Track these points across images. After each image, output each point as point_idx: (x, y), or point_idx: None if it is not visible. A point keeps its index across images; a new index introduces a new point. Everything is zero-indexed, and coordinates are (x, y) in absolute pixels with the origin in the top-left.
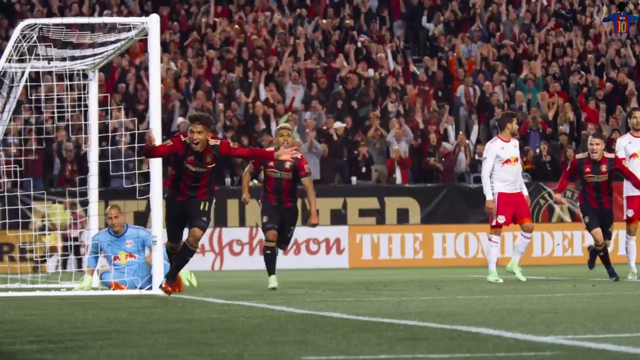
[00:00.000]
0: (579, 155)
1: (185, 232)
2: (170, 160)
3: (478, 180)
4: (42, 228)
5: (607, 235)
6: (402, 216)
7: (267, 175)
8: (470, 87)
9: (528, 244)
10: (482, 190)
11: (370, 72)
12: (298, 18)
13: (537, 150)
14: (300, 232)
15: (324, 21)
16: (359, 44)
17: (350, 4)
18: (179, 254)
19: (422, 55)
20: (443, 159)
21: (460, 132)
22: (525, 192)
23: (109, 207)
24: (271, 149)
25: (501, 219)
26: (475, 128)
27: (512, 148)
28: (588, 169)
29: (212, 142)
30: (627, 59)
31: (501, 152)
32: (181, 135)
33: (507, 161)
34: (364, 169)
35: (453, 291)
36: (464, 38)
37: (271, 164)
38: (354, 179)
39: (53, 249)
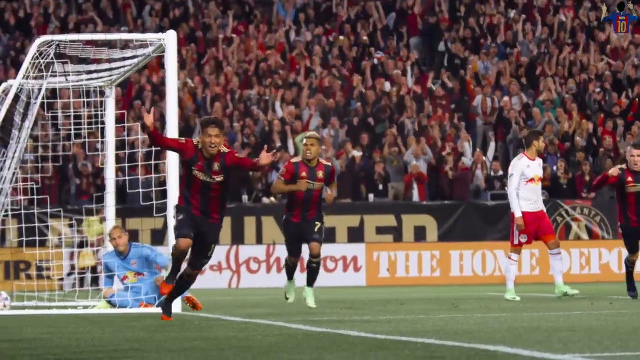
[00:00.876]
0: (620, 167)
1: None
2: (180, 168)
3: (495, 197)
4: (81, 245)
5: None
6: (420, 234)
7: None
8: (489, 98)
9: (561, 258)
10: (499, 208)
11: (387, 88)
12: (315, 35)
13: (555, 168)
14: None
15: (341, 38)
16: (376, 61)
17: (367, 20)
18: (177, 283)
19: (440, 72)
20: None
21: (478, 149)
22: (544, 209)
23: (112, 228)
24: (297, 159)
25: (523, 239)
26: (493, 145)
27: (537, 167)
28: (630, 179)
29: (223, 149)
30: None
31: (527, 170)
32: (193, 140)
33: (532, 180)
34: (380, 187)
35: (470, 309)
36: (481, 55)
37: (304, 174)
38: (371, 197)
39: (83, 268)
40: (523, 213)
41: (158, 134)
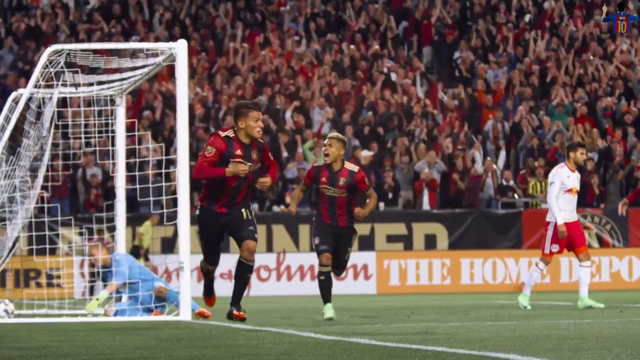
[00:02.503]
0: None
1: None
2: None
3: (505, 206)
4: (136, 253)
5: None
6: (430, 242)
7: (320, 192)
8: (499, 123)
9: (590, 271)
10: (510, 217)
11: (397, 97)
12: (326, 44)
13: None
14: None
15: (352, 47)
16: (385, 70)
17: (378, 29)
18: (238, 275)
19: (450, 81)
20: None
21: (488, 158)
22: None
23: (89, 246)
24: (321, 162)
25: (555, 248)
26: (503, 153)
27: (575, 179)
28: None
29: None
30: None
31: (566, 180)
32: (220, 132)
33: (569, 190)
34: (390, 195)
35: (481, 317)
36: (491, 63)
37: (323, 179)
38: (381, 205)
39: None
40: (555, 223)
41: (211, 169)
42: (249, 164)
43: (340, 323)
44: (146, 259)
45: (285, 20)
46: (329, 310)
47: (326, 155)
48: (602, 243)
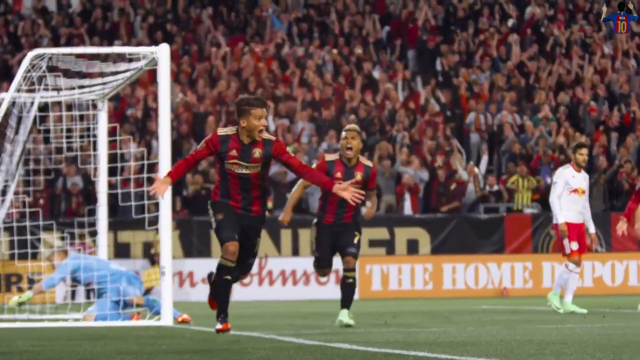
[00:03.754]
0: None
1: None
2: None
3: (488, 210)
4: (152, 261)
5: None
6: (412, 247)
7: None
8: (482, 114)
9: (577, 278)
10: (492, 222)
11: (379, 101)
12: (308, 48)
13: (548, 180)
14: (309, 263)
15: (334, 51)
16: (376, 75)
17: (360, 33)
18: (219, 276)
19: (433, 85)
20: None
21: (470, 162)
22: (592, 229)
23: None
24: (333, 156)
25: (574, 246)
26: (485, 158)
27: (581, 179)
28: None
29: (265, 135)
30: (637, 87)
31: (571, 180)
32: (219, 129)
33: (575, 191)
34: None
35: (463, 322)
36: (474, 67)
37: (338, 174)
38: (362, 210)
39: (149, 289)
40: (565, 223)
41: (175, 173)
42: (248, 164)
43: (322, 328)
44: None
45: (268, 25)
46: (344, 316)
47: (349, 148)
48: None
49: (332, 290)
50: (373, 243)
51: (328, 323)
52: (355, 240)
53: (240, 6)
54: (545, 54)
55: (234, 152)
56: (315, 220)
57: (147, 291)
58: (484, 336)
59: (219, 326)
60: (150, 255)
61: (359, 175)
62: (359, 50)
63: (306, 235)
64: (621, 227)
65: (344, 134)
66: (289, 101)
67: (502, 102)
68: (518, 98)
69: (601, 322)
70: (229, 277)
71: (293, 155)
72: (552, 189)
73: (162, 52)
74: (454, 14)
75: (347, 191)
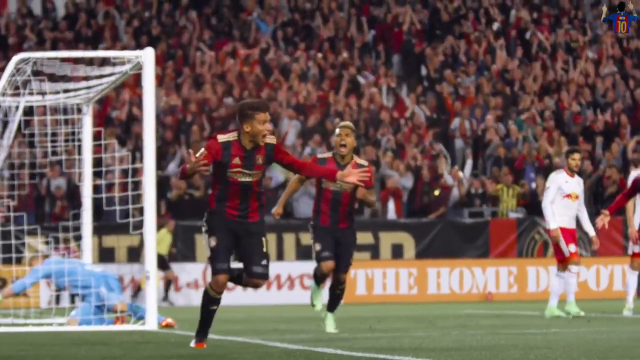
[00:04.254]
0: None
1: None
2: (213, 173)
3: (473, 215)
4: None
5: None
6: (397, 251)
7: (321, 188)
8: (467, 120)
9: (563, 283)
10: (477, 226)
11: (365, 105)
12: (293, 52)
13: (533, 185)
14: (294, 268)
15: (319, 55)
16: (362, 80)
17: (345, 37)
18: (205, 304)
19: (419, 89)
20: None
21: (455, 166)
22: (592, 232)
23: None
24: (326, 154)
25: (572, 248)
26: (470, 162)
27: (575, 184)
28: None
29: (267, 138)
30: (622, 92)
31: (564, 185)
32: (219, 135)
33: (568, 196)
34: (356, 205)
35: (448, 327)
36: (459, 72)
37: None
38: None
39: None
40: (560, 228)
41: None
42: (251, 172)
43: (307, 332)
44: (164, 268)
45: (252, 29)
46: (318, 296)
47: (343, 145)
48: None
49: None
50: (357, 247)
51: (313, 327)
52: (350, 252)
53: (225, 10)
54: (530, 58)
55: (237, 160)
56: (311, 223)
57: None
58: (468, 341)
59: (193, 344)
60: (160, 256)
61: None
62: (344, 55)
63: (291, 240)
64: (602, 219)
65: (337, 130)
66: (274, 105)
67: (487, 107)
68: (503, 102)
69: (586, 326)
70: (215, 308)
71: (288, 153)
72: (544, 194)
73: (147, 56)
74: (439, 18)
75: (352, 175)
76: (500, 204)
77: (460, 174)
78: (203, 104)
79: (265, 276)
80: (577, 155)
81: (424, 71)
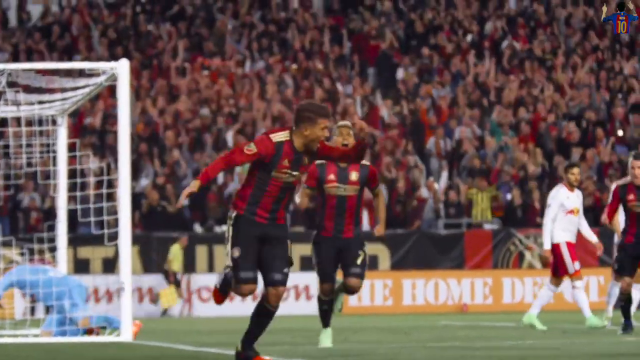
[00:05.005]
0: (620, 182)
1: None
2: (250, 170)
3: (448, 226)
4: (169, 276)
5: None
6: (372, 262)
7: (325, 193)
8: (442, 140)
9: (552, 296)
10: (452, 237)
11: (338, 117)
12: (268, 63)
13: (508, 196)
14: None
15: (294, 66)
16: (344, 91)
17: (321, 49)
18: (257, 317)
19: (393, 100)
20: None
21: (430, 178)
22: (595, 238)
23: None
24: (325, 160)
25: (577, 265)
26: (445, 174)
27: (575, 198)
28: (632, 197)
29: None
30: (597, 104)
31: (566, 201)
32: (270, 134)
33: (571, 212)
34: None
35: (423, 338)
36: (434, 83)
37: (331, 176)
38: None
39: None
40: (566, 243)
41: (207, 176)
42: (297, 173)
43: (282, 344)
44: (177, 284)
45: (227, 41)
46: (326, 338)
47: (346, 145)
48: (545, 264)
49: (291, 306)
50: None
51: (288, 339)
52: (359, 261)
53: (199, 22)
54: (505, 69)
55: (286, 162)
56: (314, 233)
57: (164, 311)
58: (443, 353)
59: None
60: (165, 271)
61: (354, 175)
62: (319, 66)
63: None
64: (605, 219)
65: (336, 130)
66: (250, 114)
67: (462, 117)
68: (478, 113)
69: (562, 338)
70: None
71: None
72: (546, 211)
73: (122, 68)
74: (414, 29)
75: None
76: (474, 208)
77: (436, 185)
78: (177, 115)
79: (283, 283)
80: (576, 170)
81: (399, 83)
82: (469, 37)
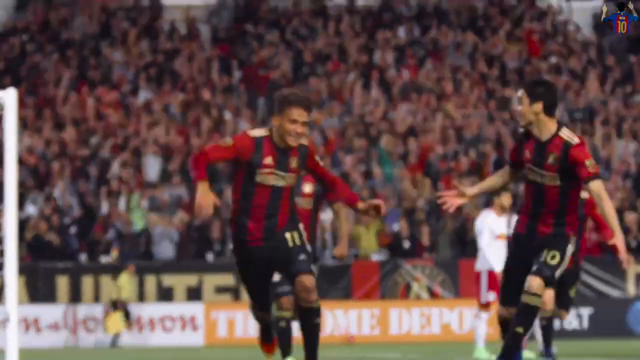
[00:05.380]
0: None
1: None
2: (234, 175)
3: (335, 257)
4: (114, 305)
5: (567, 301)
6: None
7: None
8: (330, 170)
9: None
10: (339, 267)
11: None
12: (157, 92)
13: (395, 227)
14: (156, 309)
15: (181, 95)
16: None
17: (210, 79)
18: (304, 326)
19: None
20: None
21: None
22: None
23: None
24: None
25: (491, 296)
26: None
27: (503, 224)
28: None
29: (302, 140)
30: (487, 133)
31: (495, 226)
32: (250, 130)
33: (499, 237)
34: (218, 246)
35: None
36: (323, 113)
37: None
38: (210, 256)
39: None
40: (488, 272)
41: (205, 176)
42: (285, 174)
43: None
44: (126, 314)
45: (114, 70)
46: None
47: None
48: (432, 294)
49: (177, 337)
50: (219, 289)
51: None
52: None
53: (87, 51)
54: (393, 99)
55: (269, 160)
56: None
57: (116, 336)
58: None
59: None
60: (112, 300)
61: (307, 189)
62: (206, 96)
63: (152, 282)
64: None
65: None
66: (138, 141)
67: (351, 148)
68: (367, 143)
69: None
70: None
71: (321, 164)
72: (478, 239)
73: (9, 97)
74: (303, 58)
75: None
76: (361, 243)
77: (323, 215)
78: (63, 145)
79: (308, 270)
80: (507, 195)
81: None
82: (359, 67)
